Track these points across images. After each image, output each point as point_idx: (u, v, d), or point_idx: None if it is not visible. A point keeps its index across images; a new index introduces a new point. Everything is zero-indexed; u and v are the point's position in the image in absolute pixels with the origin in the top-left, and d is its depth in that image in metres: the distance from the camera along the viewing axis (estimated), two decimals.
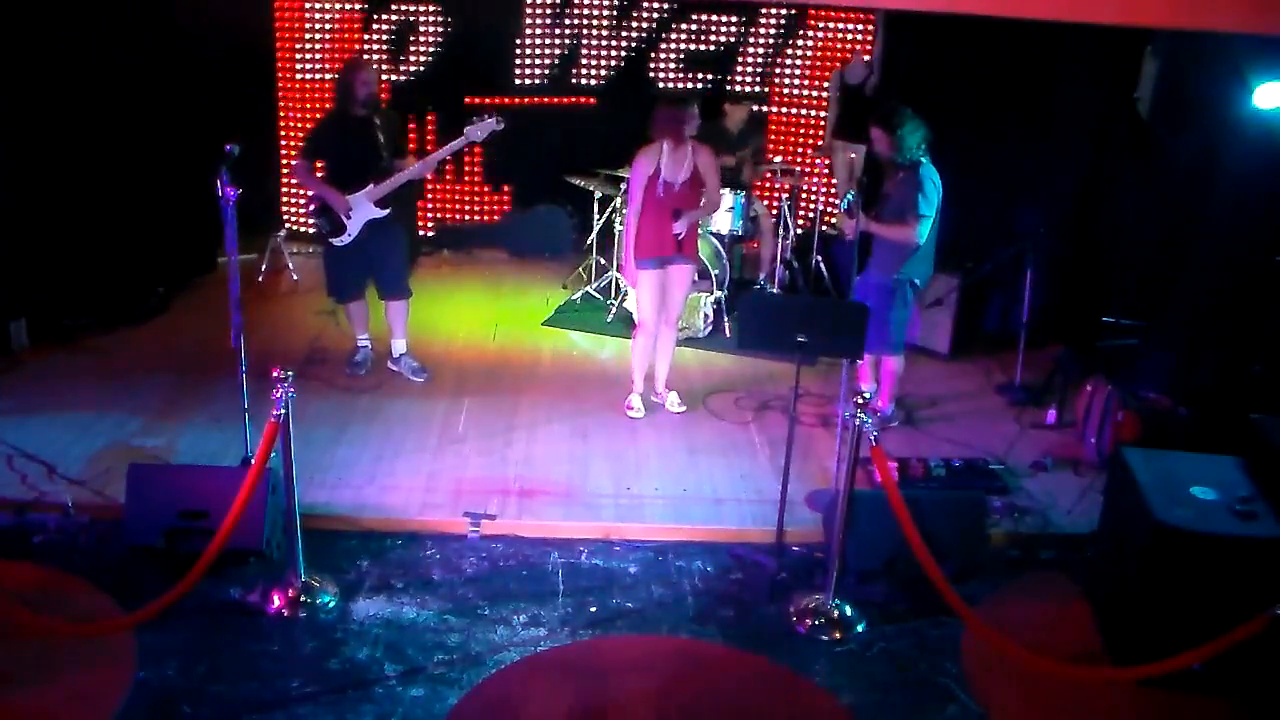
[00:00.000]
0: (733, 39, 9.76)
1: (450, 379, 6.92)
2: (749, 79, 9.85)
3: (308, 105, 9.23)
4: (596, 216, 8.46)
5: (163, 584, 4.31)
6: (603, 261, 8.50)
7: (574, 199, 9.25)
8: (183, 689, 4.08)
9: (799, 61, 9.75)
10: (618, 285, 8.15)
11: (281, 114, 9.28)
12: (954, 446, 6.13)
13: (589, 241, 8.69)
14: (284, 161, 9.23)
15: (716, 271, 7.88)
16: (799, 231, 8.46)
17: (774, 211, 8.45)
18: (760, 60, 9.81)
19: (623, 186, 7.08)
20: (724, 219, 7.98)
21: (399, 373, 6.84)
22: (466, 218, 9.90)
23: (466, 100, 9.41)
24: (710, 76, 9.78)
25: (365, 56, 8.87)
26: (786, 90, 9.85)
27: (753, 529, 5.30)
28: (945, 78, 8.12)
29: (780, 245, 8.25)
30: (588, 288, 8.43)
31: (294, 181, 8.76)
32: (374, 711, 4.05)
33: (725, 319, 7.85)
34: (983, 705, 4.23)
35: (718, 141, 8.39)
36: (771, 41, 9.76)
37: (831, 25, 9.54)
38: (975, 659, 4.45)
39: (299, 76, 9.22)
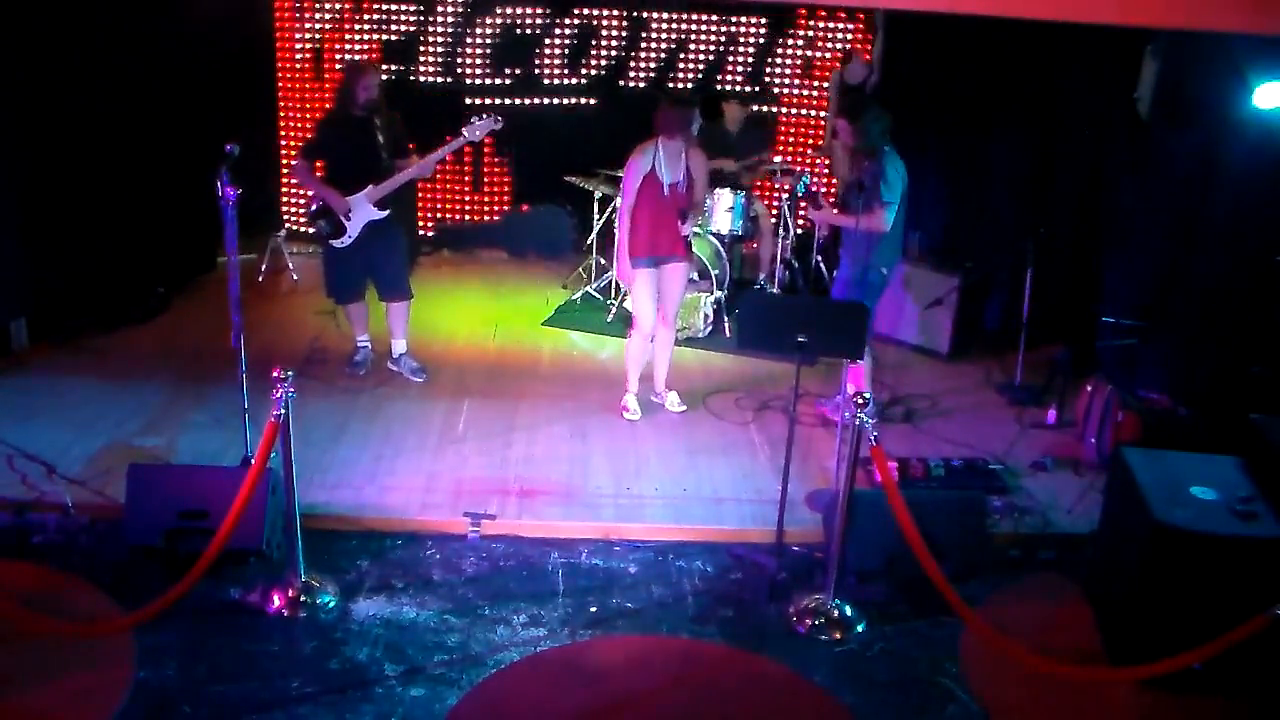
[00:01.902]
0: (724, 39, 9.73)
1: (450, 379, 6.92)
2: (740, 78, 9.86)
3: (308, 105, 9.23)
4: (596, 216, 8.47)
5: (163, 584, 4.31)
6: (603, 261, 8.50)
7: (574, 199, 9.26)
8: (183, 689, 4.08)
9: (796, 61, 9.73)
10: (618, 285, 8.15)
11: (281, 114, 9.28)
12: (954, 446, 6.13)
13: (589, 241, 8.69)
14: (284, 161, 9.23)
15: (716, 271, 7.88)
16: (799, 231, 8.46)
17: (774, 212, 8.45)
18: (753, 59, 9.78)
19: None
20: (724, 219, 7.98)
21: (398, 373, 6.84)
22: (466, 218, 9.90)
23: (465, 100, 9.43)
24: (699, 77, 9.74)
25: (367, 59, 8.87)
26: (786, 90, 9.85)
27: (753, 529, 5.30)
28: (945, 77, 8.13)
29: (780, 245, 8.25)
30: (588, 288, 8.43)
31: (294, 182, 8.77)
32: (374, 711, 4.05)
33: (725, 319, 7.85)
34: (983, 705, 4.23)
35: (718, 143, 8.41)
36: (763, 41, 9.72)
37: (823, 26, 9.53)
38: (975, 659, 4.45)
39: (299, 76, 9.22)
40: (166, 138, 7.65)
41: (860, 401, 4.43)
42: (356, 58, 9.00)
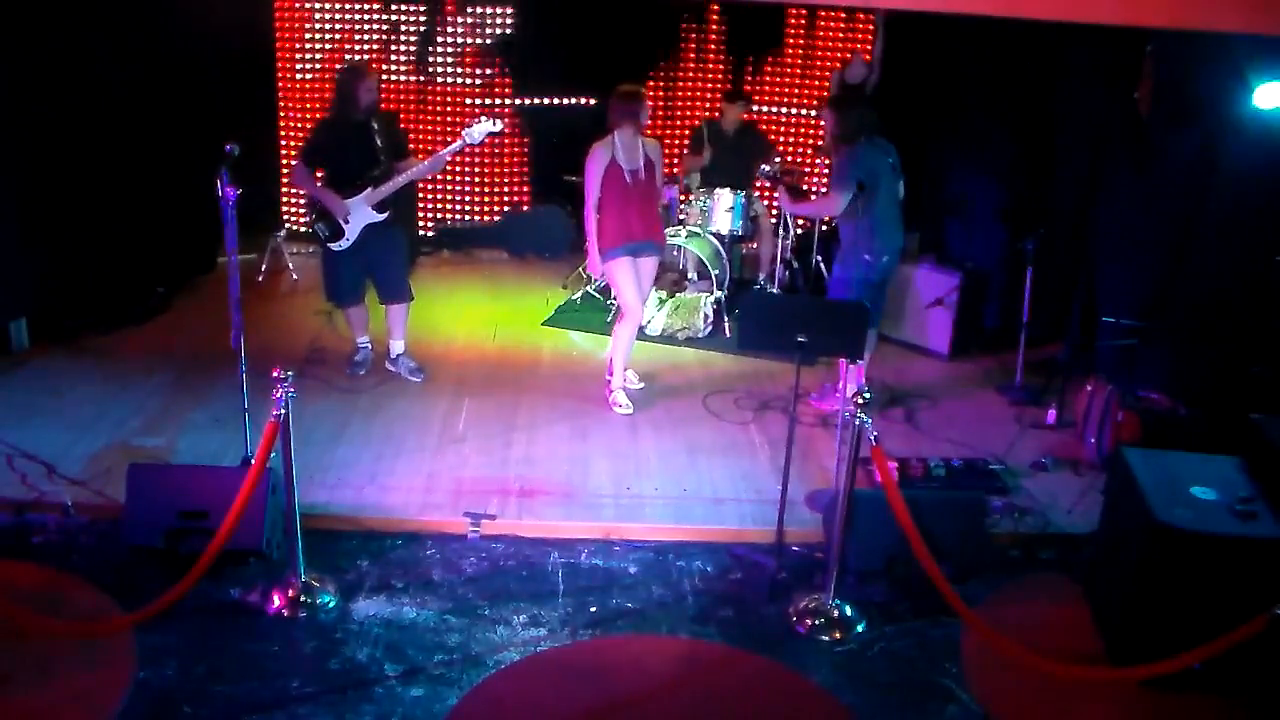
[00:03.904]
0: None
1: (450, 379, 6.92)
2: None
3: (308, 105, 9.23)
4: None
5: (163, 584, 4.30)
6: None
7: (574, 199, 9.26)
8: (183, 689, 4.08)
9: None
10: None
11: (281, 114, 9.28)
12: (954, 446, 6.13)
13: None
14: (284, 161, 9.23)
15: (716, 271, 7.89)
16: (799, 231, 8.47)
17: (774, 211, 8.45)
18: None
19: None
20: (724, 219, 7.99)
21: (397, 372, 6.84)
22: (466, 218, 9.90)
23: (466, 100, 9.45)
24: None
25: (366, 62, 8.84)
26: (787, 90, 9.86)
27: (753, 529, 5.30)
28: (945, 78, 8.13)
29: (780, 245, 8.25)
30: (588, 288, 8.43)
31: (295, 188, 8.78)
32: (374, 711, 4.05)
33: (725, 319, 7.85)
34: (983, 705, 4.23)
35: (717, 143, 8.42)
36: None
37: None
38: (975, 659, 4.45)
39: (299, 76, 9.22)
40: (166, 138, 7.64)
41: (860, 401, 4.44)
42: (356, 60, 8.99)
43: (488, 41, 9.43)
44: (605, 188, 6.22)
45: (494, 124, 6.32)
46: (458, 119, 9.42)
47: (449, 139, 6.58)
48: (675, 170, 8.69)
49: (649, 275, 6.54)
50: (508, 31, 9.41)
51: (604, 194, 6.23)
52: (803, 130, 9.89)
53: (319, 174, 6.64)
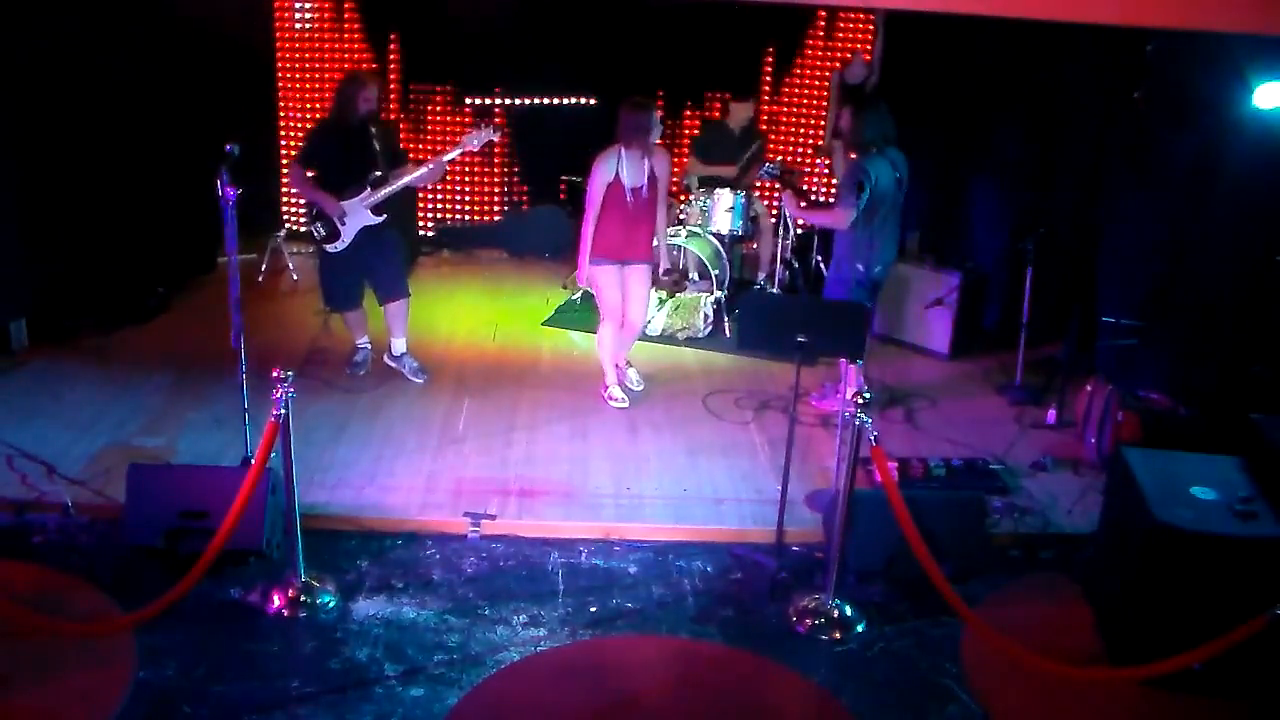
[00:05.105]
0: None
1: (450, 379, 6.92)
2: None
3: (308, 105, 9.23)
4: None
5: (163, 584, 4.30)
6: None
7: (574, 199, 9.27)
8: (183, 689, 4.08)
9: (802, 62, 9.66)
10: None
11: (281, 114, 9.28)
12: (954, 446, 6.13)
13: None
14: (284, 161, 9.23)
15: (716, 271, 7.89)
16: (799, 231, 8.47)
17: (774, 212, 8.45)
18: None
19: None
20: (724, 219, 7.99)
21: (398, 371, 6.83)
22: (466, 218, 9.90)
23: (467, 100, 9.45)
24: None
25: (366, 69, 8.82)
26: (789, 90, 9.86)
27: (753, 529, 5.30)
28: (946, 77, 8.13)
29: (780, 245, 8.25)
30: (587, 288, 8.42)
31: (292, 191, 8.78)
32: (374, 711, 4.05)
33: (725, 319, 7.85)
34: (983, 705, 4.23)
35: (721, 141, 8.42)
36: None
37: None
38: (975, 659, 4.45)
39: (299, 76, 9.22)
40: (166, 138, 7.65)
41: (860, 401, 4.43)
42: (357, 68, 8.97)
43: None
44: (605, 204, 6.19)
45: (492, 132, 6.38)
46: (456, 121, 9.44)
47: (448, 143, 6.58)
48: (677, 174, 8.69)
49: (638, 283, 6.45)
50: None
51: (603, 209, 6.20)
52: (802, 130, 9.89)
53: (316, 177, 6.64)
